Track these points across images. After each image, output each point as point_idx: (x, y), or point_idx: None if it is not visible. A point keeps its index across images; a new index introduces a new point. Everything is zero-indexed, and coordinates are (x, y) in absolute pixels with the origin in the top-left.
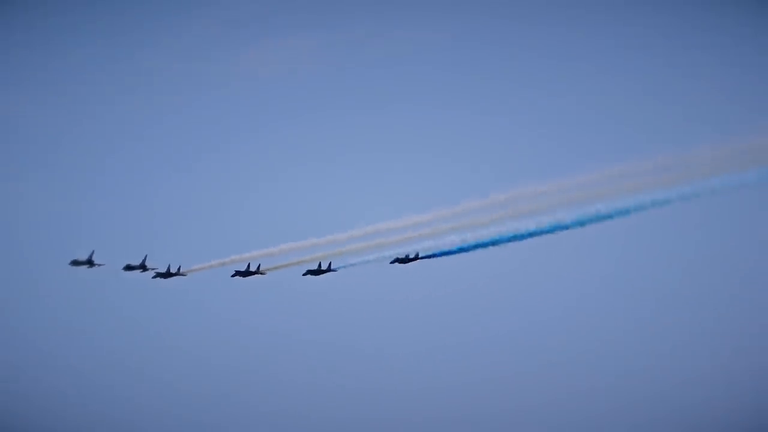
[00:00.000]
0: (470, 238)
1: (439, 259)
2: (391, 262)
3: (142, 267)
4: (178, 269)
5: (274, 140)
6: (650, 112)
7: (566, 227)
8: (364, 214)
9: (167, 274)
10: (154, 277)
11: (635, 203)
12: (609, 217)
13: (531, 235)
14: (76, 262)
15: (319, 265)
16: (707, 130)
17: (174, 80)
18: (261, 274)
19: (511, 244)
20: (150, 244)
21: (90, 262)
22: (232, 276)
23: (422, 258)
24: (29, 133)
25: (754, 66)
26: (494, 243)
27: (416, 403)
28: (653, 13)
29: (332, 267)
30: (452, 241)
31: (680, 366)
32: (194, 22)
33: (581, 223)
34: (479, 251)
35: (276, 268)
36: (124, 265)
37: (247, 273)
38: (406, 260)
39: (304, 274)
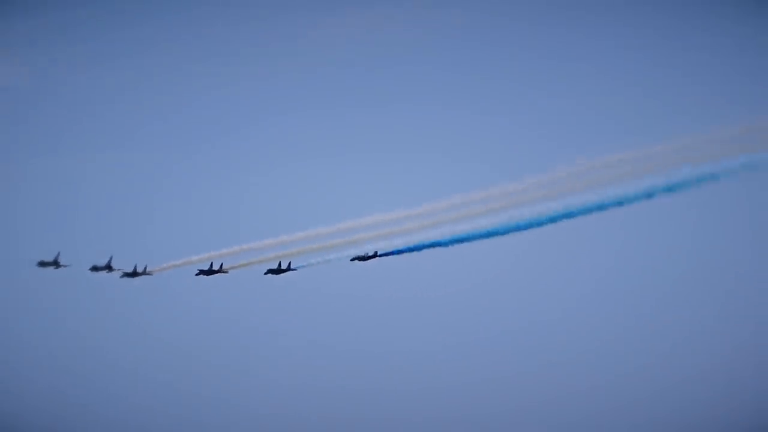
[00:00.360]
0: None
1: (436, 257)
2: (351, 260)
3: (108, 267)
4: (144, 269)
5: (239, 140)
6: (646, 106)
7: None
8: (334, 211)
9: (134, 274)
10: (122, 276)
11: (631, 192)
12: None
13: (506, 231)
14: (43, 263)
15: (279, 264)
16: (703, 121)
17: (174, 80)
18: (224, 272)
19: (487, 240)
20: (112, 245)
21: (56, 263)
22: (196, 274)
23: (381, 256)
24: None
25: (752, 66)
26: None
27: (415, 402)
28: (653, 13)
29: (292, 266)
30: (419, 238)
31: (680, 365)
32: (194, 19)
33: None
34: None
35: (238, 266)
36: (90, 266)
37: (210, 272)
38: (365, 258)
39: (265, 273)
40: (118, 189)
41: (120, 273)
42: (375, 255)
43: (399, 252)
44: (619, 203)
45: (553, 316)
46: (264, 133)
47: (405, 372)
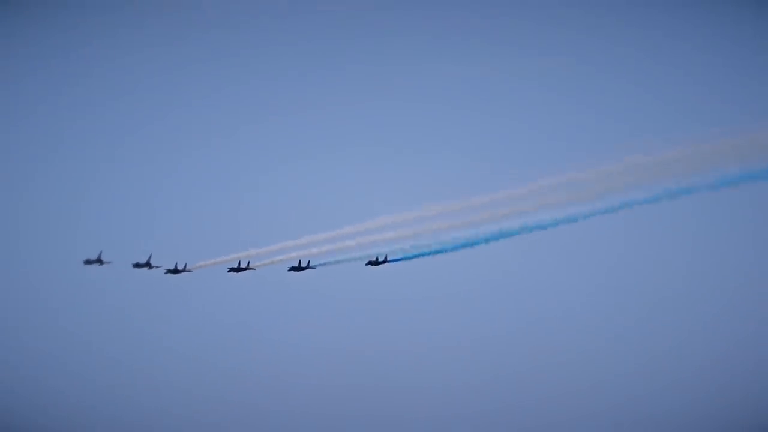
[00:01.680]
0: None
1: (437, 259)
2: (366, 264)
3: (148, 265)
4: (185, 266)
5: (271, 140)
6: (649, 108)
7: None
8: (357, 213)
9: (176, 271)
10: (166, 273)
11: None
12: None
13: (509, 235)
14: (88, 261)
15: (299, 263)
16: (705, 126)
17: (177, 78)
18: (251, 269)
19: (491, 244)
20: (147, 243)
21: (100, 261)
22: (228, 271)
23: (390, 261)
24: (32, 131)
25: (753, 67)
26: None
27: (416, 402)
28: (655, 14)
29: (311, 265)
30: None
31: (680, 365)
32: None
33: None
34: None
35: (264, 264)
36: (133, 263)
37: (239, 269)
38: (376, 263)
39: (288, 270)
40: (154, 189)
41: (163, 270)
42: (386, 260)
43: (408, 258)
44: (622, 207)
45: (554, 316)
46: (301, 132)
47: (409, 371)
